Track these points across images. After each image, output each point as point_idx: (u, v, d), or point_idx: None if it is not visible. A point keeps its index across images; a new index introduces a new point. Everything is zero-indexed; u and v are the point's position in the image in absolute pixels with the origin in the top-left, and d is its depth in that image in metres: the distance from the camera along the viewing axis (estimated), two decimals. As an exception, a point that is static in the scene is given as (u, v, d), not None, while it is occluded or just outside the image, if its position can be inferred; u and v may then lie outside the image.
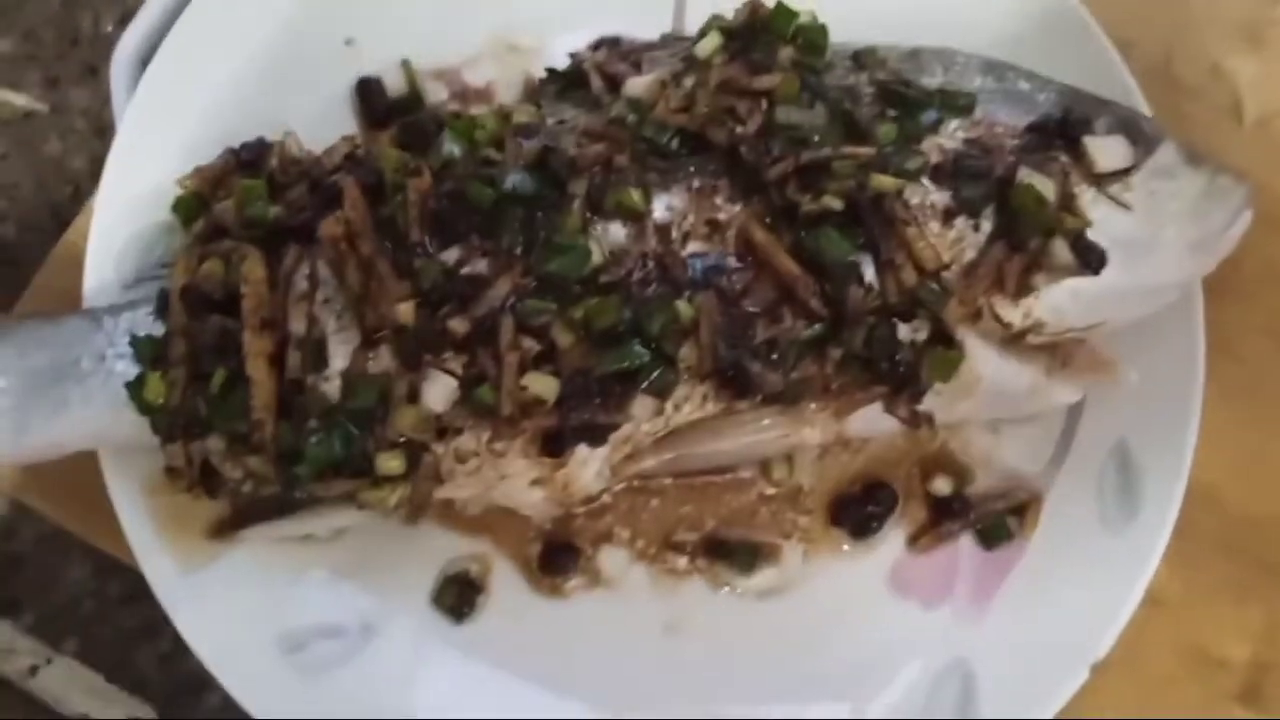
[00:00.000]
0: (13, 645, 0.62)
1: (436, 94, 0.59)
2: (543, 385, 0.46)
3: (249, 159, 0.53)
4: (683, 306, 0.46)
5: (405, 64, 0.58)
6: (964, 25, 0.57)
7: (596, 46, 0.58)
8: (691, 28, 0.58)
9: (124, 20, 0.72)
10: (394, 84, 0.58)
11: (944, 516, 0.55)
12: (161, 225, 0.54)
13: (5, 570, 0.64)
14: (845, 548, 0.55)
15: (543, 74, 0.57)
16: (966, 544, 0.55)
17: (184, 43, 0.56)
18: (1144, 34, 0.65)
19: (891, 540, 0.55)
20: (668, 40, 0.57)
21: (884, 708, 0.52)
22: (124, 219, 0.54)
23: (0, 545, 0.64)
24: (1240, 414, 0.60)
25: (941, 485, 0.55)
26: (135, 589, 0.61)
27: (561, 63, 0.57)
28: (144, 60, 0.64)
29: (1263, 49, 0.66)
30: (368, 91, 0.58)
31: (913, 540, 0.55)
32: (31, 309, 0.58)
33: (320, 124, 0.56)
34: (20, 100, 0.70)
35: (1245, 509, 0.59)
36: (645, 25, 0.59)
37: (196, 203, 0.52)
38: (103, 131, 0.70)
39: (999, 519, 0.54)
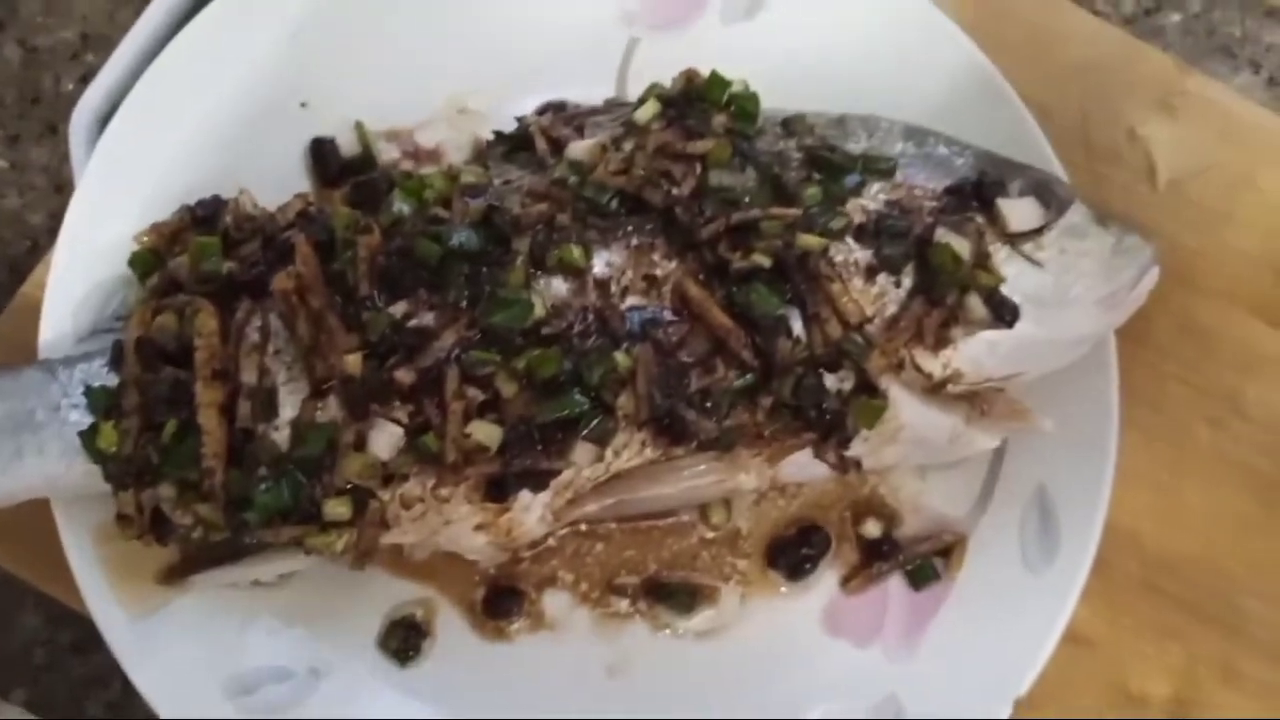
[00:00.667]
0: (-40, 695, 0.63)
1: (389, 154, 0.62)
2: (486, 433, 0.48)
3: (204, 215, 0.55)
4: (621, 357, 0.49)
5: (358, 125, 0.61)
6: (891, 92, 0.60)
7: (543, 111, 0.61)
8: (633, 94, 0.62)
9: (84, 79, 0.74)
10: (347, 144, 0.61)
11: (874, 558, 0.57)
12: (118, 279, 0.55)
13: (-47, 619, 0.64)
14: (782, 589, 0.58)
15: (490, 136, 0.60)
16: (896, 584, 0.57)
17: (143, 103, 0.59)
18: (1062, 101, 0.69)
19: (825, 581, 0.57)
20: (610, 105, 0.60)
21: (820, 743, 0.54)
22: (81, 272, 0.55)
23: None
24: (1158, 460, 0.64)
25: (872, 528, 0.58)
26: (86, 637, 0.63)
27: (509, 126, 0.60)
28: (103, 119, 0.66)
29: (1174, 116, 0.70)
30: (321, 152, 0.60)
31: (845, 581, 0.57)
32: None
33: (275, 183, 0.58)
34: (-22, 156, 0.72)
35: (1164, 551, 0.63)
36: (590, 91, 0.62)
37: (152, 258, 0.54)
38: (61, 188, 0.72)
39: (926, 561, 0.57)
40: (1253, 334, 0.66)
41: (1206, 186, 0.69)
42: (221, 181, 0.57)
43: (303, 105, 0.61)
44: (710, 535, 0.58)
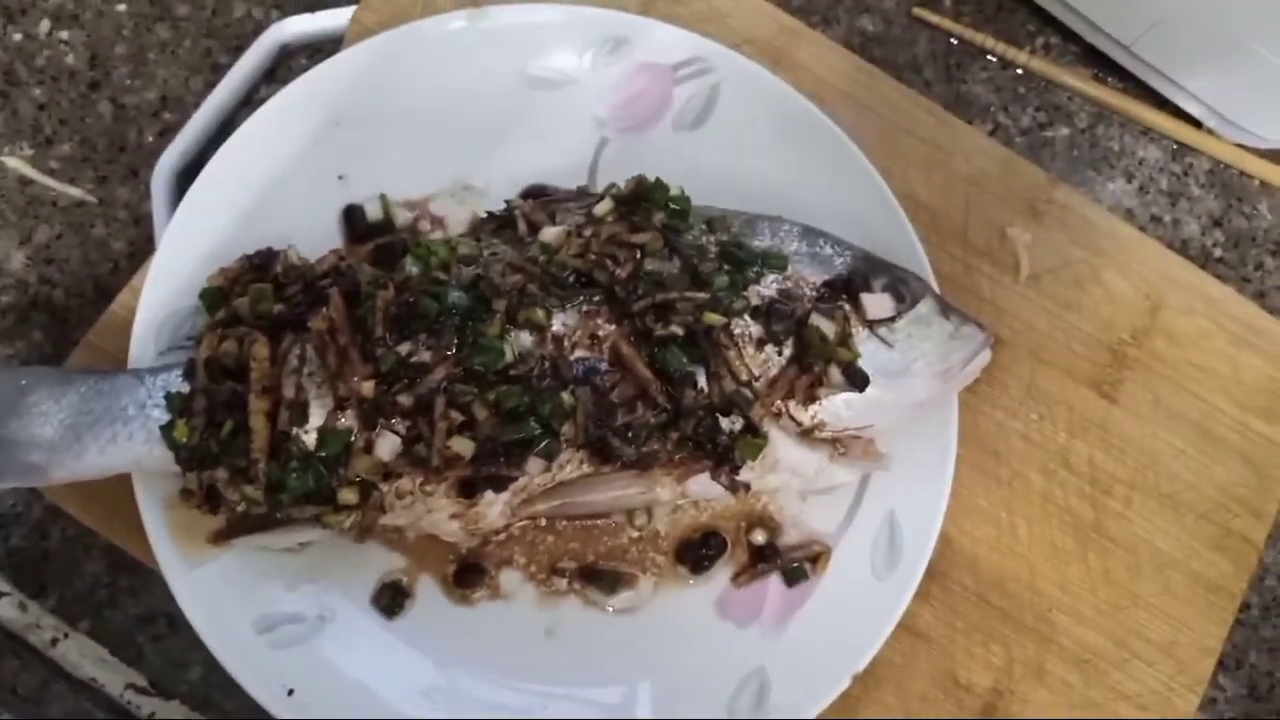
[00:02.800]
0: (39, 621, 0.76)
1: (405, 218, 0.76)
2: (463, 446, 0.62)
3: (259, 263, 0.69)
4: (566, 396, 0.63)
5: (382, 197, 0.75)
6: (799, 198, 0.75)
7: (527, 195, 0.75)
8: (600, 182, 0.76)
9: (162, 134, 0.88)
10: (374, 211, 0.75)
11: (759, 560, 0.71)
12: (190, 308, 0.70)
13: (37, 561, 0.77)
14: (689, 581, 0.72)
15: (484, 214, 0.75)
16: (774, 581, 0.71)
17: (217, 170, 0.73)
18: (949, 205, 0.83)
19: (720, 575, 0.71)
20: (580, 193, 0.75)
21: (702, 703, 0.68)
22: (162, 302, 0.70)
23: (35, 541, 0.77)
24: (996, 498, 0.78)
25: (759, 536, 0.72)
26: (139, 584, 0.77)
27: (500, 203, 0.75)
28: (177, 172, 0.82)
29: (1039, 221, 0.84)
30: (351, 217, 0.75)
31: (735, 576, 0.71)
32: (81, 363, 0.74)
33: (316, 239, 0.72)
34: (76, 192, 0.87)
35: (995, 571, 0.77)
36: (567, 179, 0.77)
37: (219, 294, 0.68)
38: (139, 222, 0.85)
39: (799, 564, 0.71)
40: (1085, 402, 0.81)
41: (1060, 280, 0.83)
42: (275, 235, 0.71)
43: (340, 178, 0.76)
44: (636, 535, 0.73)
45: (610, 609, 0.71)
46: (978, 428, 0.79)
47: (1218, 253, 0.93)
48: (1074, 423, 0.81)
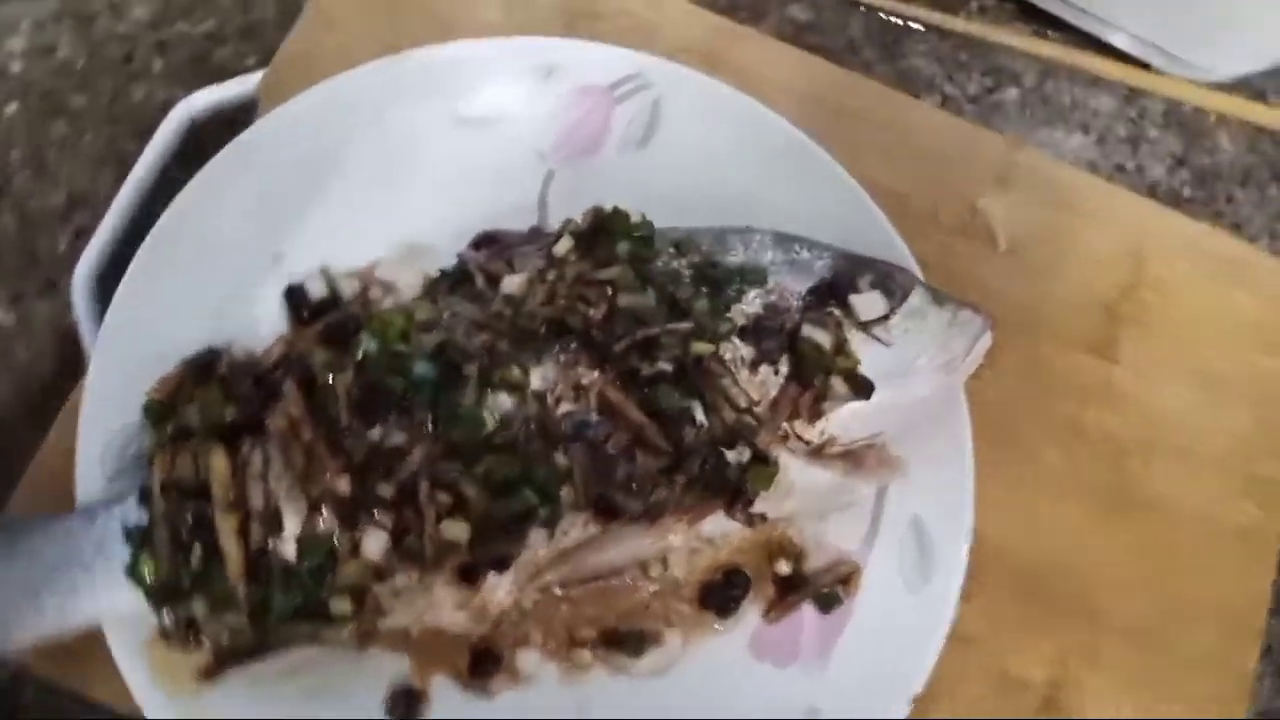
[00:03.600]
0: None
1: (352, 288, 0.71)
2: (457, 531, 0.58)
3: (201, 366, 0.64)
4: (559, 458, 0.59)
5: (324, 271, 0.70)
6: (760, 201, 0.71)
7: (478, 244, 0.71)
8: (552, 216, 0.72)
9: (76, 237, 0.82)
10: (317, 288, 0.70)
11: (788, 591, 0.67)
12: (135, 425, 0.64)
13: (10, 726, 0.71)
14: (715, 626, 0.67)
15: (436, 272, 0.70)
16: (808, 611, 0.66)
17: (139, 273, 0.67)
18: (916, 187, 0.79)
19: (749, 615, 0.66)
20: (534, 234, 0.71)
21: (754, 754, 0.64)
22: (104, 423, 0.64)
23: (5, 706, 0.71)
24: (1015, 484, 0.74)
25: (783, 566, 0.67)
26: None
27: (451, 256, 0.70)
28: (97, 276, 0.76)
29: (1009, 188, 0.81)
30: (294, 297, 0.69)
31: (766, 613, 0.67)
32: (22, 507, 0.67)
33: (257, 326, 0.68)
34: (-11, 316, 0.81)
35: (1028, 560, 0.73)
36: (516, 219, 0.72)
37: (163, 408, 0.63)
38: (64, 337, 0.80)
39: (830, 589, 0.66)
40: (1087, 368, 0.78)
41: (1039, 246, 0.80)
42: (213, 330, 0.67)
43: (275, 257, 0.71)
44: (655, 587, 0.67)
45: (640, 672, 0.67)
46: (982, 414, 0.74)
47: (1186, 192, 0.91)
48: (1079, 391, 0.78)
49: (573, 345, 0.62)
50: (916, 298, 0.65)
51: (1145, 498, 0.76)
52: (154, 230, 0.69)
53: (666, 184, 0.73)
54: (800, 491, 0.64)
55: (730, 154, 0.74)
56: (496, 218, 0.73)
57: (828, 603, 0.67)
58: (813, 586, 0.68)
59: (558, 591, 0.67)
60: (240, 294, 0.70)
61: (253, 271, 0.70)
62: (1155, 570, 0.75)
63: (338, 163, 0.73)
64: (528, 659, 0.66)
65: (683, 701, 0.66)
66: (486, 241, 0.72)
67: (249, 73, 0.80)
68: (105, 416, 0.65)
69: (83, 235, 0.81)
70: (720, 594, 0.68)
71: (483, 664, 0.66)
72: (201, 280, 0.69)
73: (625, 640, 0.67)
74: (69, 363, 0.79)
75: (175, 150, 0.80)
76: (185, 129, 0.80)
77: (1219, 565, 0.76)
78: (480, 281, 0.66)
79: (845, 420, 0.63)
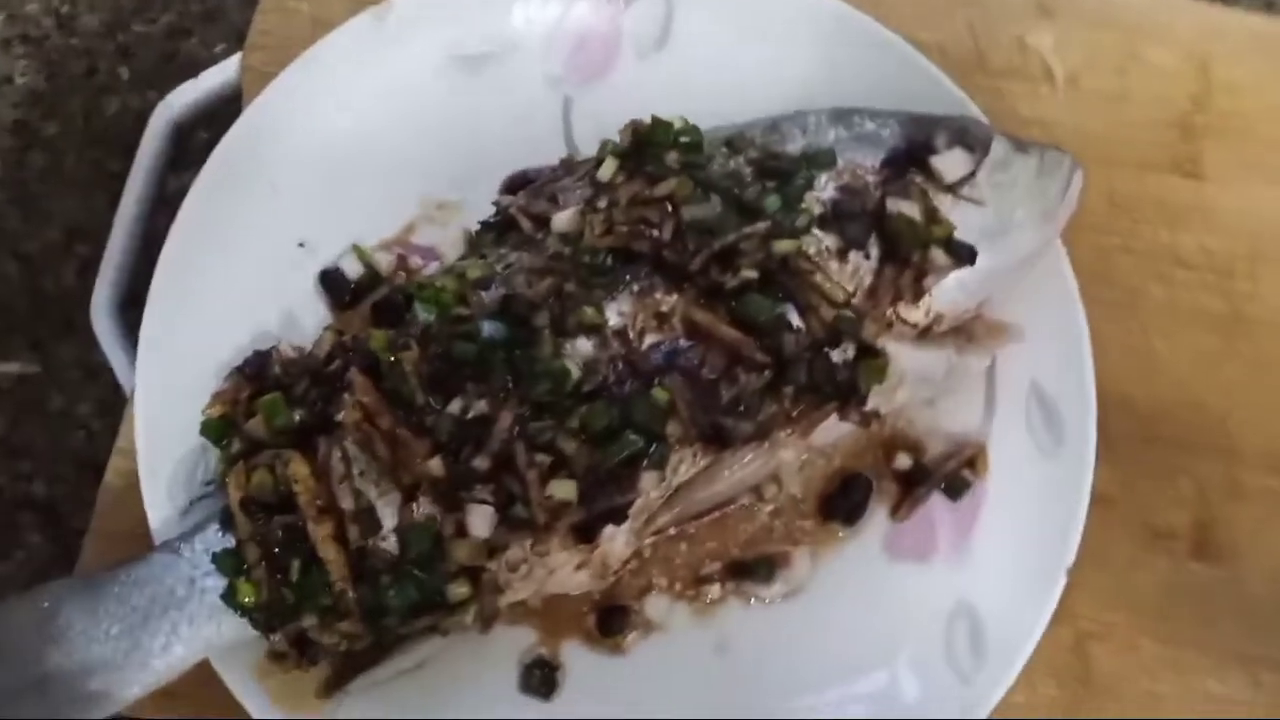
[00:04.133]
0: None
1: (389, 261, 0.66)
2: (564, 490, 0.54)
3: (253, 373, 0.60)
4: (657, 393, 0.54)
5: (355, 247, 0.66)
6: (803, 80, 0.66)
7: (511, 188, 0.66)
8: (581, 146, 0.67)
9: (83, 270, 0.79)
10: (352, 268, 0.65)
11: (912, 485, 0.63)
12: (197, 450, 0.60)
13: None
14: (841, 535, 0.63)
15: (476, 226, 0.65)
16: (938, 501, 0.63)
17: (164, 290, 0.63)
18: (953, 34, 0.74)
19: (877, 517, 0.63)
20: (568, 164, 0.65)
21: (912, 662, 0.61)
22: (164, 454, 0.61)
23: None
24: (1124, 326, 0.70)
25: (903, 461, 0.63)
26: None
27: (485, 209, 0.65)
28: (117, 305, 0.72)
29: (1055, 17, 0.76)
30: (330, 283, 0.65)
31: (893, 512, 0.63)
32: (97, 558, 0.64)
33: (300, 322, 0.64)
34: (13, 368, 0.77)
35: (1152, 404, 0.69)
36: (545, 155, 0.66)
37: (223, 424, 0.59)
38: (95, 374, 0.76)
39: (956, 474, 0.63)
40: (1173, 189, 0.73)
41: (1098, 72, 0.75)
42: (254, 335, 0.63)
43: (301, 245, 0.66)
44: (772, 508, 0.64)
45: (774, 598, 0.63)
46: (1076, 260, 0.70)
47: (1235, -15, 0.84)
48: (1169, 215, 0.73)
49: (644, 272, 0.57)
50: (999, 148, 0.60)
51: (1260, 313, 0.72)
52: (167, 245, 0.65)
53: (697, 83, 0.68)
54: (913, 379, 0.60)
55: (758, 34, 0.68)
56: (522, 158, 0.68)
57: (957, 489, 0.64)
58: (937, 475, 0.64)
59: (672, 531, 0.63)
60: (272, 290, 0.65)
61: (280, 264, 0.66)
62: (1282, 386, 0.70)
63: (342, 133, 0.68)
64: (656, 606, 0.63)
65: (824, 617, 0.62)
66: (520, 183, 0.67)
67: (223, 59, 0.75)
68: (164, 447, 0.61)
69: (89, 266, 0.77)
70: (842, 502, 0.64)
71: (611, 620, 0.63)
72: (229, 285, 0.65)
73: (753, 568, 0.63)
74: (106, 401, 0.75)
75: (166, 158, 0.75)
76: (170, 133, 0.75)
77: (1349, 368, 0.71)
78: (527, 225, 0.61)
79: (950, 293, 0.58)
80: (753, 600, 0.63)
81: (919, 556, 0.63)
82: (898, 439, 0.65)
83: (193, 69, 0.75)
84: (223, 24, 0.85)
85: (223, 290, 0.64)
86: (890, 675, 0.61)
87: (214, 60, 0.75)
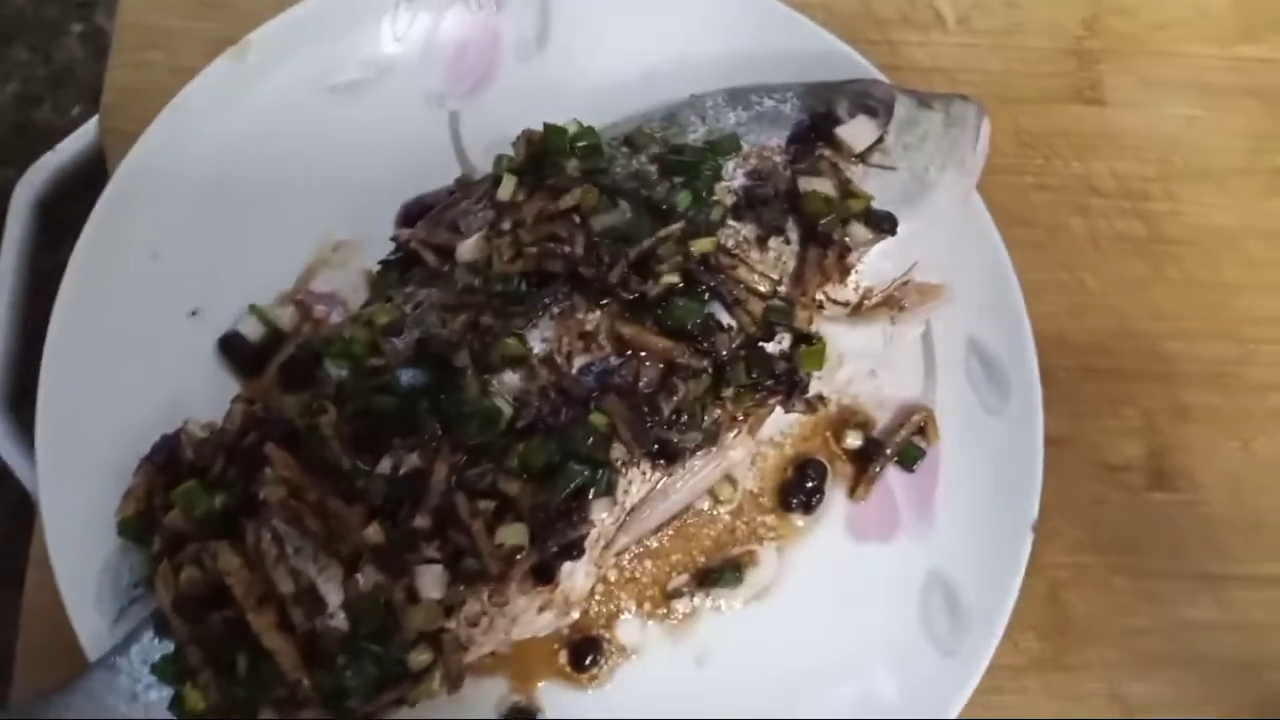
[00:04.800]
0: None
1: (290, 317, 0.63)
2: (514, 534, 0.51)
3: (163, 461, 0.56)
4: (595, 417, 0.52)
5: (253, 307, 0.62)
6: (691, 56, 0.64)
7: (407, 219, 0.63)
8: (475, 162, 0.64)
9: None
10: (251, 329, 0.61)
11: (866, 462, 0.62)
12: (117, 553, 0.56)
13: None
14: (802, 525, 0.62)
15: (376, 266, 0.61)
16: (894, 475, 0.62)
17: (51, 384, 0.59)
18: None
19: (837, 502, 0.62)
20: (465, 185, 0.62)
21: (891, 636, 0.59)
22: (83, 562, 0.56)
23: None
24: (1051, 263, 0.70)
25: (853, 439, 0.62)
26: None
27: (383, 243, 0.61)
28: (9, 400, 0.67)
29: None
30: (230, 349, 0.61)
31: (852, 492, 0.62)
32: (29, 687, 0.59)
33: (200, 394, 0.59)
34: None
35: (1086, 337, 0.69)
36: (438, 178, 0.64)
37: (139, 521, 0.55)
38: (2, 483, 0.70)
39: (908, 443, 0.62)
40: (1077, 118, 0.73)
41: (988, 9, 0.74)
42: (157, 418, 0.58)
43: (193, 314, 0.62)
44: (731, 507, 0.62)
45: (747, 600, 0.61)
46: (993, 204, 0.68)
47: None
48: (1078, 145, 0.73)
49: (562, 292, 0.55)
50: (903, 108, 0.59)
51: (1180, 232, 0.72)
52: (50, 335, 0.60)
53: (586, 77, 0.65)
54: (852, 357, 0.58)
55: (640, 18, 0.66)
56: (416, 183, 0.64)
57: (911, 457, 0.63)
58: (890, 448, 0.63)
59: (636, 550, 0.61)
60: (169, 367, 0.61)
61: (174, 338, 0.62)
62: (1213, 304, 0.71)
63: (220, 184, 0.64)
64: (629, 629, 0.61)
65: (800, 609, 0.61)
66: (417, 212, 0.63)
67: (80, 124, 0.70)
68: (81, 556, 0.57)
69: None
70: (799, 489, 0.63)
71: (583, 653, 0.60)
72: (122, 369, 0.60)
73: (720, 572, 0.61)
74: (15, 510, 0.69)
75: (34, 240, 0.70)
76: (35, 212, 0.69)
77: (1274, 276, 0.71)
78: (431, 259, 0.58)
79: (876, 264, 0.57)
80: (726, 606, 0.61)
81: (883, 535, 0.62)
82: (845, 416, 0.64)
83: (49, 138, 0.70)
84: (74, 86, 0.79)
85: (116, 376, 0.60)
86: (871, 667, 0.59)
87: (71, 126, 0.70)
